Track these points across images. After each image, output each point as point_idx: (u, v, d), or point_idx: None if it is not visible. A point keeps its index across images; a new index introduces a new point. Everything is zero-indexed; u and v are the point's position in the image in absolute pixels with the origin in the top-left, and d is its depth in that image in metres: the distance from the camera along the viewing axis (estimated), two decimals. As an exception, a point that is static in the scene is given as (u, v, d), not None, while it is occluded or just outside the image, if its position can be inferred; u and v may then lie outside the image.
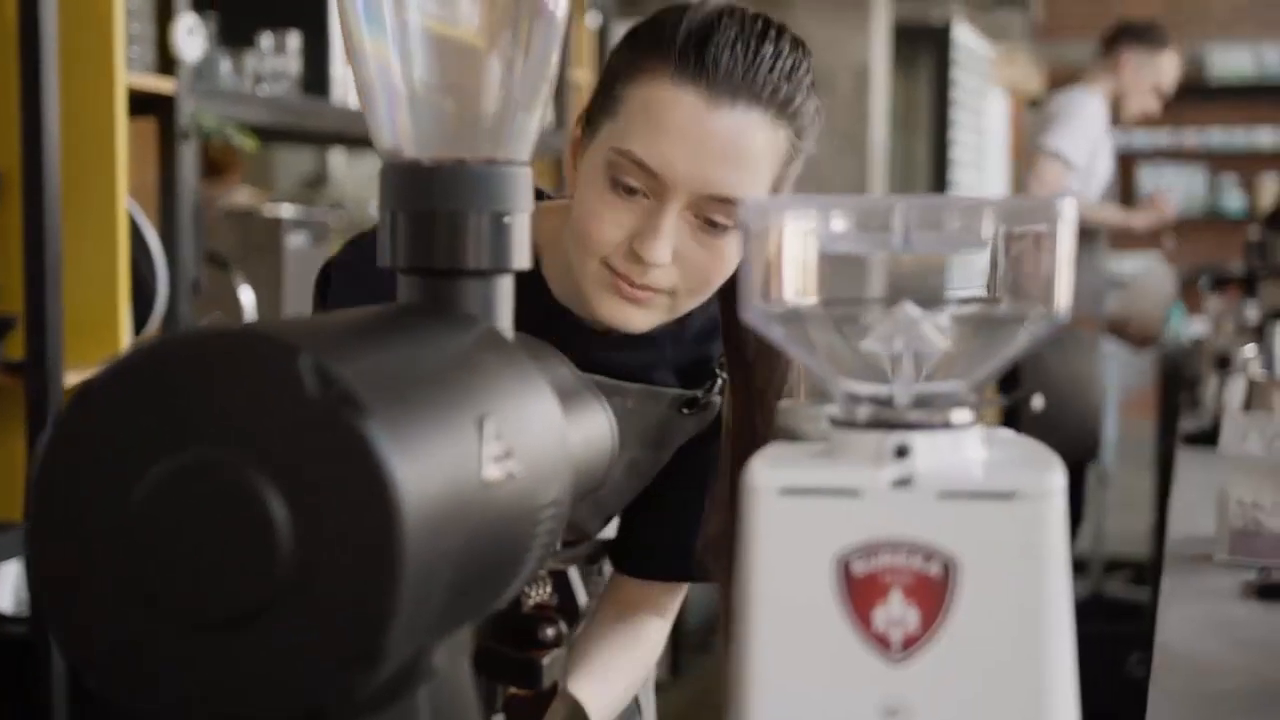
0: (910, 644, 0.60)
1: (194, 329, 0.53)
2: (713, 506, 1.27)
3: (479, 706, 0.68)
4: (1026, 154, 4.43)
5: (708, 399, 1.29)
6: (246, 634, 0.51)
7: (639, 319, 1.18)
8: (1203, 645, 1.40)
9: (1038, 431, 3.56)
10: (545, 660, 0.76)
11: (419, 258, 0.65)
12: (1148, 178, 8.25)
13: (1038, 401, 3.90)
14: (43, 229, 2.23)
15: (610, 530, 1.43)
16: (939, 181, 6.37)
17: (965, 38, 6.51)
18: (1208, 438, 2.57)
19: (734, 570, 0.63)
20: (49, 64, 2.23)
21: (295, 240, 3.06)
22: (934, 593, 0.60)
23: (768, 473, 0.61)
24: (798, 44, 1.16)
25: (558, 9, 0.67)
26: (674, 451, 1.33)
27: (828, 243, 0.64)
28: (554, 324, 1.24)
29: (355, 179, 4.54)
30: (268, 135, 3.36)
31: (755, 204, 0.65)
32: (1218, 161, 8.29)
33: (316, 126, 3.29)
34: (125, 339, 2.47)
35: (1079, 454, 4.23)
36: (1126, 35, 4.41)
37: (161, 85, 2.65)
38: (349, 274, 1.27)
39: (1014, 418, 3.97)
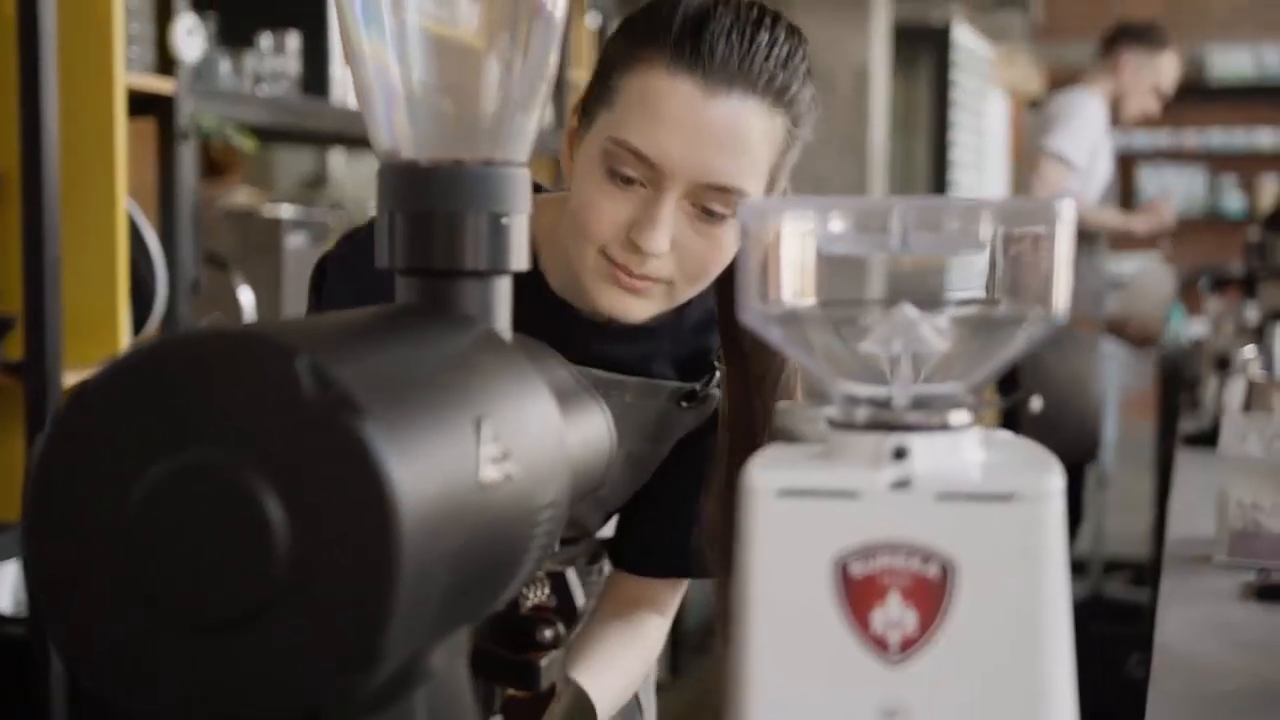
0: (908, 646, 0.60)
1: (192, 330, 0.53)
2: (708, 497, 1.27)
3: (477, 708, 0.68)
4: (1028, 156, 4.42)
5: (706, 392, 1.29)
6: (243, 635, 0.51)
7: (638, 309, 1.18)
8: (1202, 646, 1.40)
9: (1037, 432, 3.56)
10: (543, 662, 0.76)
11: (417, 258, 0.65)
12: (1148, 178, 8.25)
13: (1036, 403, 3.90)
14: (42, 229, 2.23)
15: (609, 529, 1.43)
16: (939, 182, 6.37)
17: (965, 38, 6.51)
18: (1207, 439, 2.57)
19: (732, 571, 0.63)
20: (48, 64, 2.23)
21: (295, 241, 3.06)
22: (932, 594, 0.60)
23: (766, 474, 0.61)
24: (793, 31, 1.16)
25: (556, 9, 0.67)
26: (673, 446, 1.33)
27: (826, 244, 0.64)
28: (552, 317, 1.24)
29: (355, 179, 4.54)
30: (267, 136, 3.36)
31: (753, 205, 0.65)
32: (1218, 162, 8.29)
33: (316, 127, 3.29)
34: (124, 339, 2.47)
35: (1079, 455, 4.23)
36: (1126, 36, 4.41)
37: (161, 85, 2.65)
38: (344, 268, 1.27)
39: (1013, 419, 3.97)
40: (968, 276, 0.68)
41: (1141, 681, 1.35)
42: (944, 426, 0.62)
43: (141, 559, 0.52)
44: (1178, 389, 4.22)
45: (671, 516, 1.33)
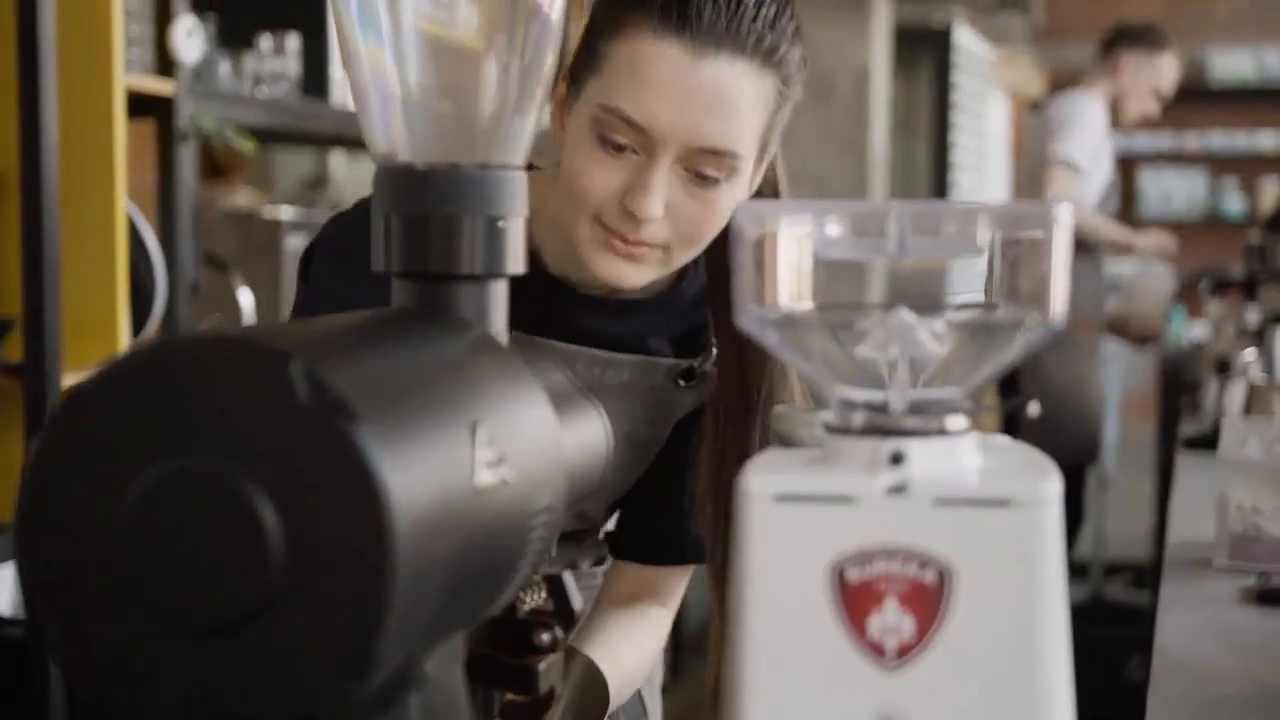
0: (905, 652, 0.60)
1: (187, 334, 0.53)
2: (696, 469, 1.27)
3: (475, 713, 0.68)
4: (1034, 162, 4.41)
5: (704, 369, 1.29)
6: (238, 640, 0.51)
7: (634, 275, 1.18)
8: (1202, 650, 1.40)
9: (1038, 435, 3.55)
10: (541, 666, 0.76)
11: (413, 262, 0.65)
12: (1149, 181, 8.24)
13: (1034, 408, 3.89)
14: (41, 230, 2.23)
15: (610, 524, 1.42)
16: (939, 184, 6.37)
17: (966, 40, 6.51)
18: (1208, 442, 2.57)
19: (728, 576, 0.63)
20: (48, 65, 2.23)
21: (295, 242, 3.06)
22: (929, 600, 0.59)
23: (762, 479, 0.61)
24: None
25: (553, 10, 0.67)
26: (672, 429, 1.32)
27: (823, 248, 0.64)
28: (547, 295, 1.24)
29: (355, 181, 4.53)
30: (267, 137, 3.36)
31: (750, 209, 0.65)
32: (1218, 165, 8.29)
33: (316, 128, 3.29)
34: (124, 341, 2.46)
35: (1080, 457, 4.23)
36: (1125, 38, 4.41)
37: (160, 87, 2.65)
38: (332, 249, 1.27)
39: (1013, 422, 3.97)
40: (966, 280, 0.68)
41: (1141, 684, 1.35)
42: (941, 431, 0.62)
43: (136, 563, 0.52)
44: (1178, 391, 4.22)
45: (672, 503, 1.32)
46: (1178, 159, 8.28)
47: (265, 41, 3.07)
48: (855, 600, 0.60)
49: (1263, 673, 1.33)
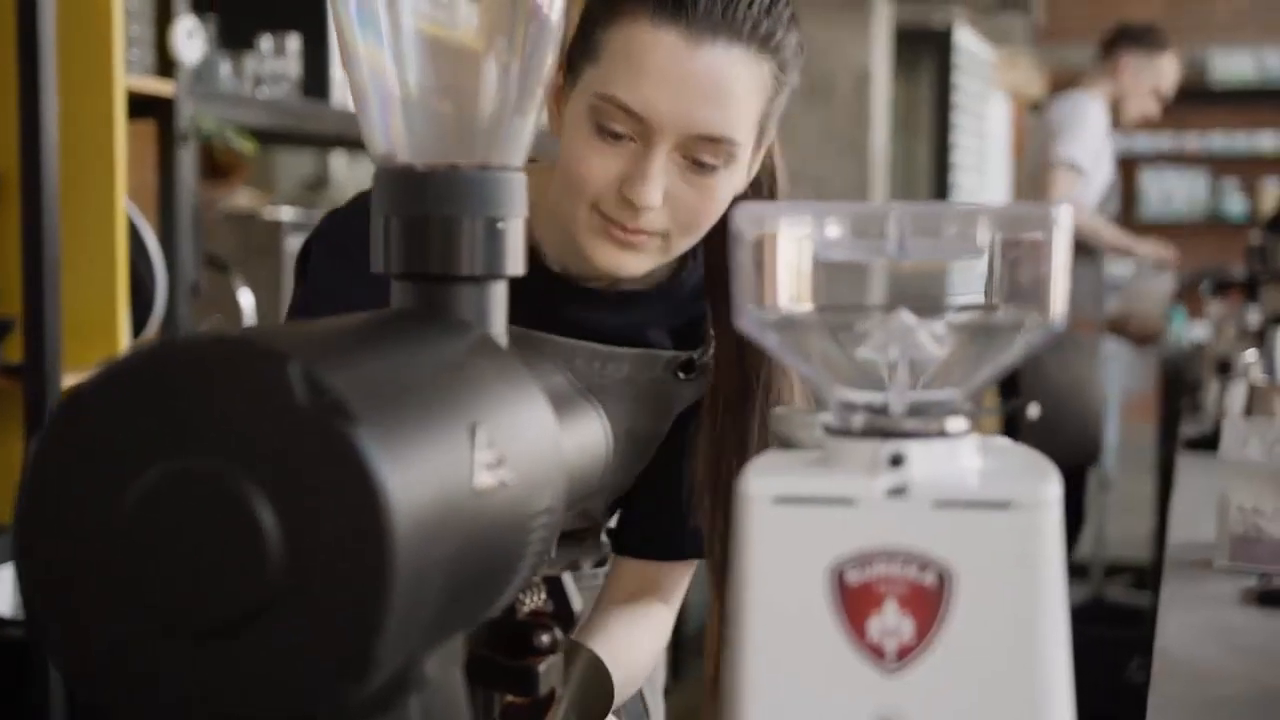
0: (905, 654, 0.60)
1: (186, 336, 0.53)
2: (693, 458, 1.27)
3: (474, 715, 0.68)
4: (1037, 165, 4.41)
5: (703, 360, 1.29)
6: (237, 641, 0.51)
7: (634, 263, 1.18)
8: (1202, 651, 1.40)
9: (1038, 436, 3.55)
10: (541, 667, 0.76)
11: (413, 263, 0.65)
12: (1150, 182, 8.24)
13: (1033, 410, 3.89)
14: (41, 231, 2.23)
15: (612, 522, 1.42)
16: (940, 185, 6.36)
17: (966, 41, 6.51)
18: (1209, 443, 2.56)
19: (728, 578, 0.63)
20: (48, 66, 2.23)
21: (295, 243, 3.06)
22: (929, 602, 0.59)
23: (762, 481, 0.61)
24: None
25: (552, 11, 0.67)
26: (672, 423, 1.32)
27: (822, 249, 0.64)
28: (546, 289, 1.24)
29: (356, 182, 4.53)
30: (267, 138, 3.36)
31: (750, 211, 0.65)
32: (1219, 165, 8.29)
33: (317, 129, 3.29)
34: (124, 342, 2.46)
35: (1080, 458, 4.22)
36: (1125, 38, 4.41)
37: (161, 88, 2.65)
38: (329, 245, 1.27)
39: (1014, 424, 3.97)
40: (966, 282, 0.68)
41: (1142, 686, 1.34)
42: (941, 433, 0.61)
43: (135, 564, 0.52)
44: (1179, 392, 4.22)
45: (672, 498, 1.32)
46: (1178, 160, 8.28)
47: (266, 42, 3.07)
48: (855, 602, 0.60)
49: (1263, 674, 1.33)
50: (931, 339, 0.62)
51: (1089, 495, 4.54)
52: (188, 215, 2.71)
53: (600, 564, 1.47)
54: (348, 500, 0.50)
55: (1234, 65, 8.08)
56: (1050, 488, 0.60)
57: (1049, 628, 0.60)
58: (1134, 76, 4.38)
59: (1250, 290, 3.65)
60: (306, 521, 0.50)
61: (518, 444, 0.61)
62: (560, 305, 1.26)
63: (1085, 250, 4.19)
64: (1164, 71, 4.43)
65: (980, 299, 0.67)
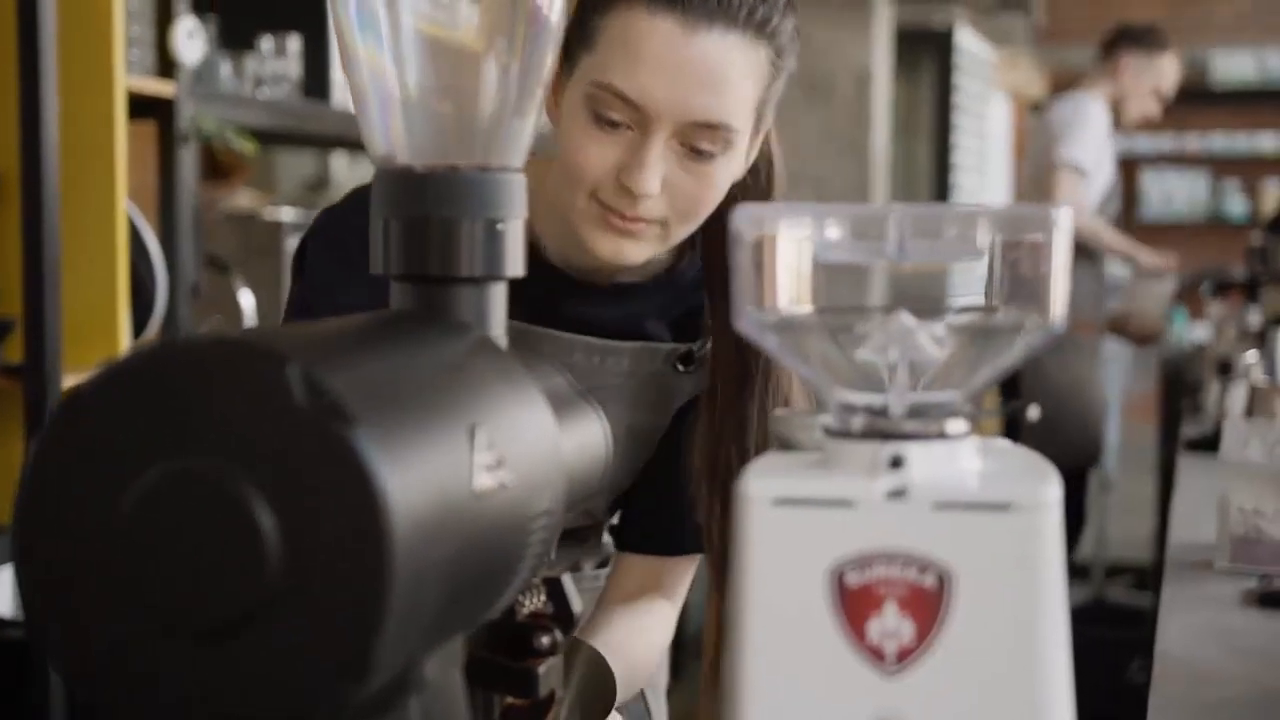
0: (905, 656, 0.60)
1: (186, 337, 0.53)
2: (691, 449, 1.27)
3: (474, 716, 0.68)
4: (1037, 165, 4.41)
5: (702, 352, 1.29)
6: (235, 643, 0.51)
7: (633, 251, 1.18)
8: (1203, 652, 1.40)
9: (1039, 437, 3.55)
10: (541, 669, 0.75)
11: (412, 265, 0.65)
12: (1150, 182, 8.24)
13: (1033, 412, 3.89)
14: (42, 231, 2.23)
15: (614, 520, 1.42)
16: (941, 186, 6.36)
17: (967, 42, 6.51)
18: (1209, 444, 2.56)
19: (728, 579, 0.63)
20: (48, 66, 2.23)
21: (295, 244, 3.05)
22: (929, 604, 0.59)
23: (761, 483, 0.61)
24: None
25: (552, 13, 0.67)
26: (672, 417, 1.32)
27: (822, 251, 0.64)
28: (544, 283, 1.24)
29: (357, 182, 4.52)
30: (268, 138, 3.36)
31: (749, 212, 0.65)
32: (1220, 166, 8.28)
33: (317, 130, 3.29)
34: (124, 342, 2.46)
35: (1081, 459, 4.22)
36: (1125, 39, 4.41)
37: (161, 88, 2.65)
38: (326, 241, 1.27)
39: (1014, 425, 3.97)
40: (966, 284, 0.68)
41: (1143, 687, 1.34)
42: (941, 435, 0.61)
43: (135, 564, 0.52)
44: (1180, 393, 4.22)
45: (673, 493, 1.32)
46: (1179, 160, 8.27)
47: (266, 43, 3.07)
48: (855, 604, 0.60)
49: (1264, 675, 1.33)
50: (931, 341, 0.62)
51: (1090, 496, 4.54)
52: (188, 216, 2.71)
53: (602, 565, 1.46)
54: (347, 501, 0.50)
55: (1235, 66, 8.08)
56: (1050, 489, 0.60)
57: (1049, 629, 0.60)
58: (1134, 77, 4.38)
59: (1251, 291, 3.65)
60: (305, 522, 0.50)
61: (517, 446, 0.60)
62: (559, 300, 1.26)
63: (1085, 252, 4.19)
64: (1164, 72, 4.43)
65: (980, 300, 0.67)
